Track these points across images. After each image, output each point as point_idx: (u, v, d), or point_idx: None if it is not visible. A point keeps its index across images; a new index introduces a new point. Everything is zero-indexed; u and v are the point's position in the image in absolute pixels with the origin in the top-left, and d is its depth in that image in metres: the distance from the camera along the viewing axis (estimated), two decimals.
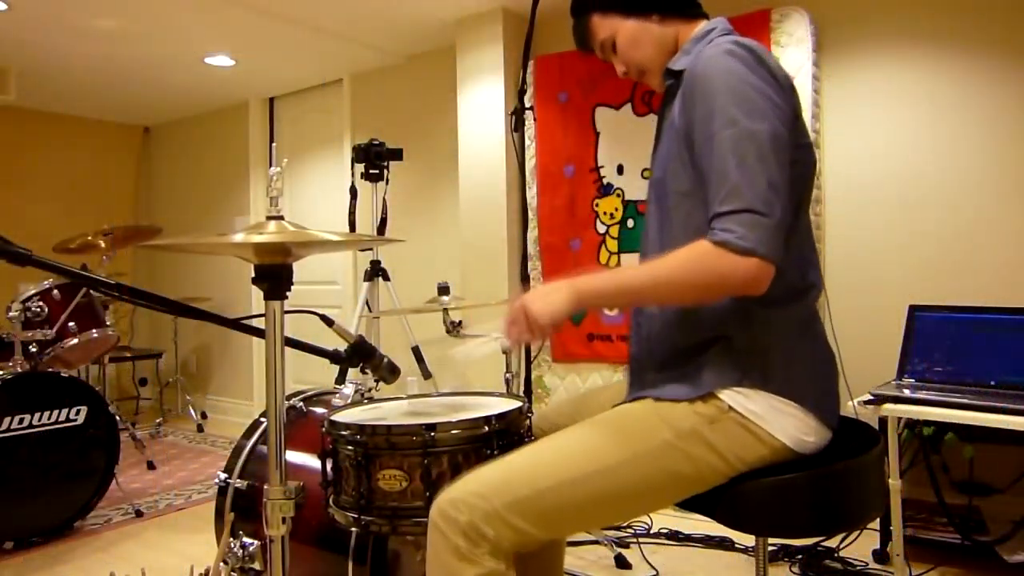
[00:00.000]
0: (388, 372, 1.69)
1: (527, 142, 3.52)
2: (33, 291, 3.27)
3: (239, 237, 1.21)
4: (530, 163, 3.51)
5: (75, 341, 3.32)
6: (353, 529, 1.43)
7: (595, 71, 3.28)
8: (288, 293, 1.31)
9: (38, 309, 3.22)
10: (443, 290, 2.48)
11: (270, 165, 1.23)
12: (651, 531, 2.82)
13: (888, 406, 2.07)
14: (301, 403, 2.09)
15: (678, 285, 1.15)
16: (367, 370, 1.67)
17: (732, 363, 1.22)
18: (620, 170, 3.28)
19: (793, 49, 2.82)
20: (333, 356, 1.65)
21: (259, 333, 1.47)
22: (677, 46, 1.38)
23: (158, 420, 4.98)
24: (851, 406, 2.12)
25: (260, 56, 4.25)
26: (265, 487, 1.29)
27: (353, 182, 3.39)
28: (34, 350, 3.07)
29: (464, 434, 1.34)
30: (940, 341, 2.35)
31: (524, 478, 1.18)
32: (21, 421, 2.77)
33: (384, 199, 3.37)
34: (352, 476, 1.37)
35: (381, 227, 3.42)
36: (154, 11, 3.52)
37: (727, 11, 3.06)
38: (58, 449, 2.87)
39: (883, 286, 2.82)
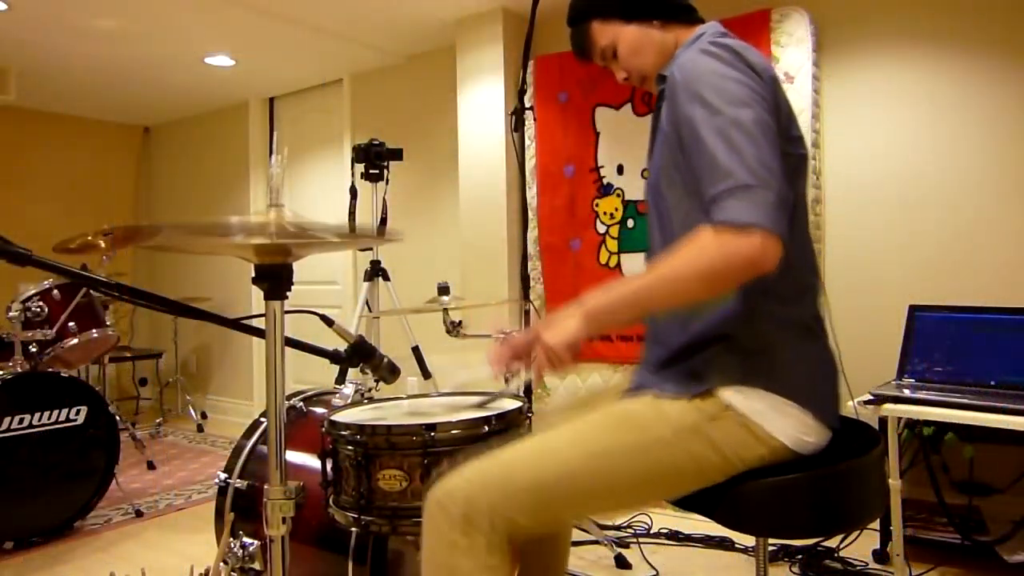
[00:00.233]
0: (388, 372, 1.69)
1: (527, 142, 3.52)
2: (33, 291, 3.27)
3: (239, 237, 1.21)
4: (530, 163, 3.51)
5: (75, 341, 3.32)
6: (353, 529, 1.43)
7: (595, 71, 3.27)
8: (288, 293, 1.31)
9: (38, 309, 3.22)
10: (443, 290, 2.48)
11: (270, 164, 1.23)
12: (651, 531, 2.81)
13: (888, 406, 2.07)
14: (301, 403, 2.09)
15: (686, 280, 1.11)
16: (367, 370, 1.67)
17: (734, 361, 1.22)
18: (620, 170, 3.28)
19: (793, 49, 2.82)
20: (333, 356, 1.65)
21: (259, 333, 1.47)
22: (676, 51, 1.38)
23: (158, 420, 4.98)
24: (851, 406, 2.12)
25: (260, 56, 4.25)
26: (265, 487, 1.29)
27: (353, 182, 3.39)
28: (34, 350, 3.07)
29: (464, 434, 1.35)
30: (940, 341, 2.35)
31: (521, 469, 1.19)
32: (21, 421, 2.77)
33: (384, 199, 3.37)
34: (352, 476, 1.37)
35: (381, 227, 3.42)
36: (154, 11, 3.52)
37: (727, 11, 3.08)
38: (58, 449, 2.87)
39: (883, 286, 2.82)
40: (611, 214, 3.31)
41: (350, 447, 1.37)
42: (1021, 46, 2.58)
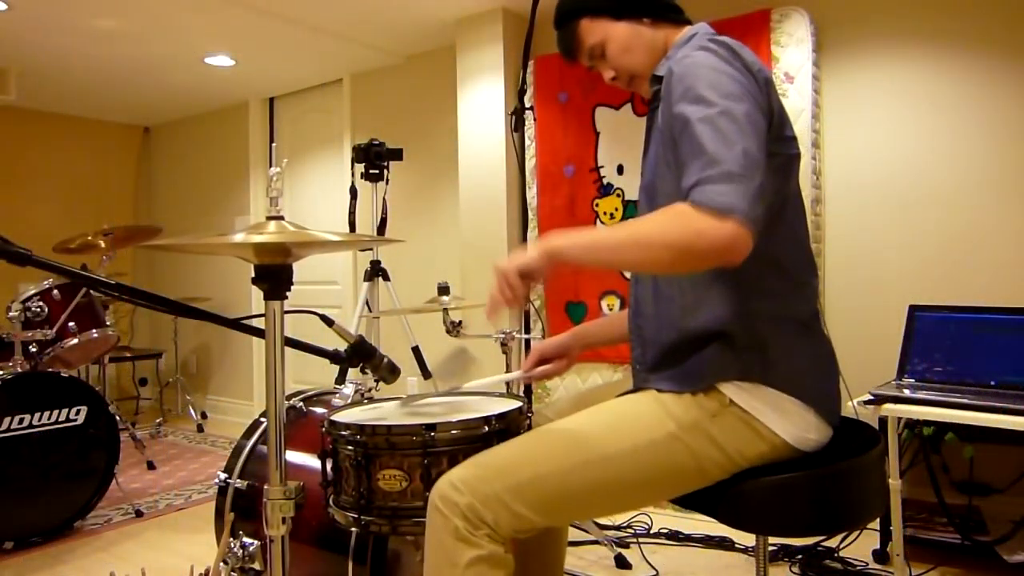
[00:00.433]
0: (388, 372, 1.69)
1: (527, 142, 3.52)
2: (33, 291, 3.27)
3: (239, 237, 1.21)
4: (530, 163, 3.51)
5: (75, 341, 3.32)
6: (353, 529, 1.43)
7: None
8: (288, 293, 1.31)
9: (38, 309, 3.22)
10: (443, 290, 2.49)
11: (270, 165, 1.23)
12: (651, 531, 2.82)
13: (888, 406, 2.06)
14: (301, 403, 2.09)
15: (655, 245, 1.07)
16: (367, 370, 1.67)
17: (733, 358, 1.22)
18: (620, 170, 3.28)
19: (793, 49, 2.82)
20: (333, 356, 1.65)
21: (259, 333, 1.47)
22: (666, 51, 1.37)
23: (158, 420, 4.98)
24: (851, 406, 2.12)
25: (260, 56, 4.25)
26: (265, 487, 1.29)
27: (353, 182, 3.40)
28: (34, 350, 3.07)
29: (464, 434, 1.34)
30: (940, 341, 2.35)
31: (525, 463, 1.19)
32: (21, 421, 2.77)
33: (384, 199, 3.37)
34: (352, 476, 1.37)
35: (381, 227, 3.42)
36: (154, 11, 3.52)
37: (727, 11, 3.08)
38: (58, 449, 2.87)
39: (883, 286, 2.82)
40: (611, 214, 3.31)
41: (350, 447, 1.37)
42: (1021, 46, 2.58)
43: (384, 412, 1.55)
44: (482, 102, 3.63)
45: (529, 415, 1.47)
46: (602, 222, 3.33)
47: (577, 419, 1.26)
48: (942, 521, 2.43)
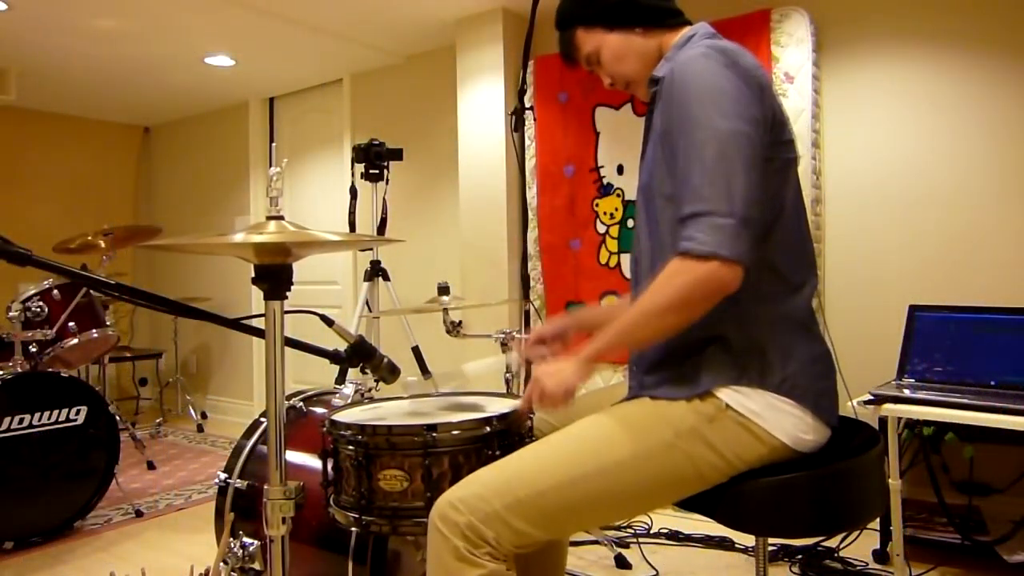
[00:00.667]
0: (388, 372, 1.69)
1: (527, 142, 3.52)
2: (33, 291, 3.27)
3: (239, 237, 1.21)
4: (530, 163, 3.51)
5: (75, 341, 3.32)
6: (353, 529, 1.43)
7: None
8: (288, 293, 1.31)
9: (38, 309, 3.22)
10: (443, 290, 2.48)
11: (270, 165, 1.23)
12: (651, 531, 2.82)
13: (888, 406, 2.06)
14: (301, 403, 2.09)
15: (661, 311, 1.16)
16: (367, 370, 1.67)
17: (729, 362, 1.22)
18: (620, 170, 3.28)
19: (793, 49, 2.82)
20: (333, 356, 1.65)
21: (259, 333, 1.47)
22: (661, 55, 1.38)
23: (158, 420, 4.98)
24: (851, 406, 2.12)
25: (260, 56, 4.25)
26: (265, 487, 1.29)
27: (353, 182, 3.39)
28: (34, 350, 3.07)
29: (465, 435, 1.34)
30: (940, 341, 2.35)
31: (523, 479, 1.19)
32: (21, 421, 2.77)
33: (384, 199, 3.37)
34: (352, 476, 1.37)
35: (381, 227, 3.42)
36: (154, 11, 3.52)
37: (727, 11, 3.08)
38: (58, 449, 2.86)
39: (883, 286, 2.82)
40: (611, 214, 3.31)
41: (350, 447, 1.37)
42: (1021, 46, 2.58)
43: (385, 412, 1.55)
44: (482, 102, 3.63)
45: (531, 415, 1.47)
46: (602, 222, 3.33)
47: (573, 431, 1.26)
48: (942, 521, 2.43)
